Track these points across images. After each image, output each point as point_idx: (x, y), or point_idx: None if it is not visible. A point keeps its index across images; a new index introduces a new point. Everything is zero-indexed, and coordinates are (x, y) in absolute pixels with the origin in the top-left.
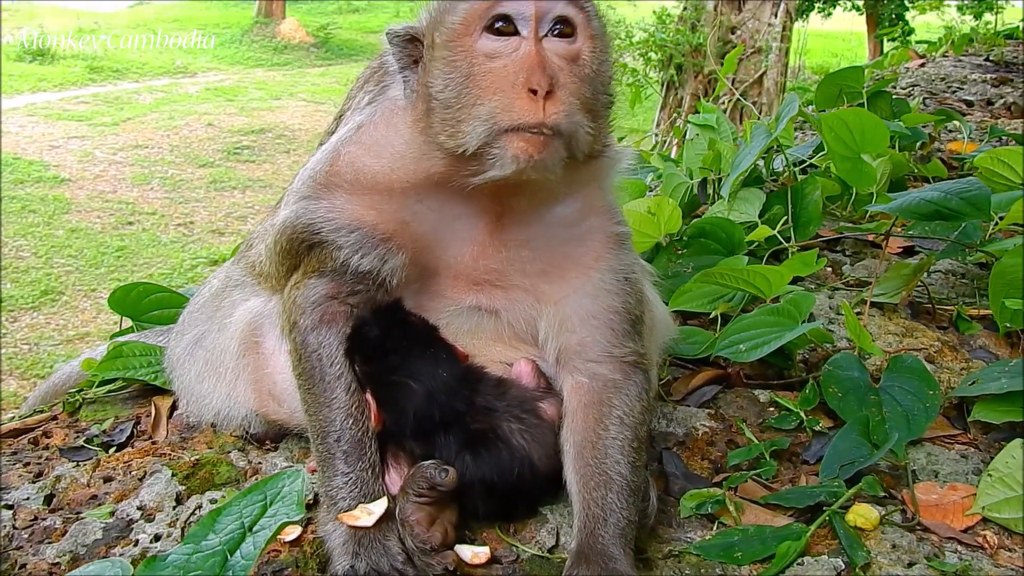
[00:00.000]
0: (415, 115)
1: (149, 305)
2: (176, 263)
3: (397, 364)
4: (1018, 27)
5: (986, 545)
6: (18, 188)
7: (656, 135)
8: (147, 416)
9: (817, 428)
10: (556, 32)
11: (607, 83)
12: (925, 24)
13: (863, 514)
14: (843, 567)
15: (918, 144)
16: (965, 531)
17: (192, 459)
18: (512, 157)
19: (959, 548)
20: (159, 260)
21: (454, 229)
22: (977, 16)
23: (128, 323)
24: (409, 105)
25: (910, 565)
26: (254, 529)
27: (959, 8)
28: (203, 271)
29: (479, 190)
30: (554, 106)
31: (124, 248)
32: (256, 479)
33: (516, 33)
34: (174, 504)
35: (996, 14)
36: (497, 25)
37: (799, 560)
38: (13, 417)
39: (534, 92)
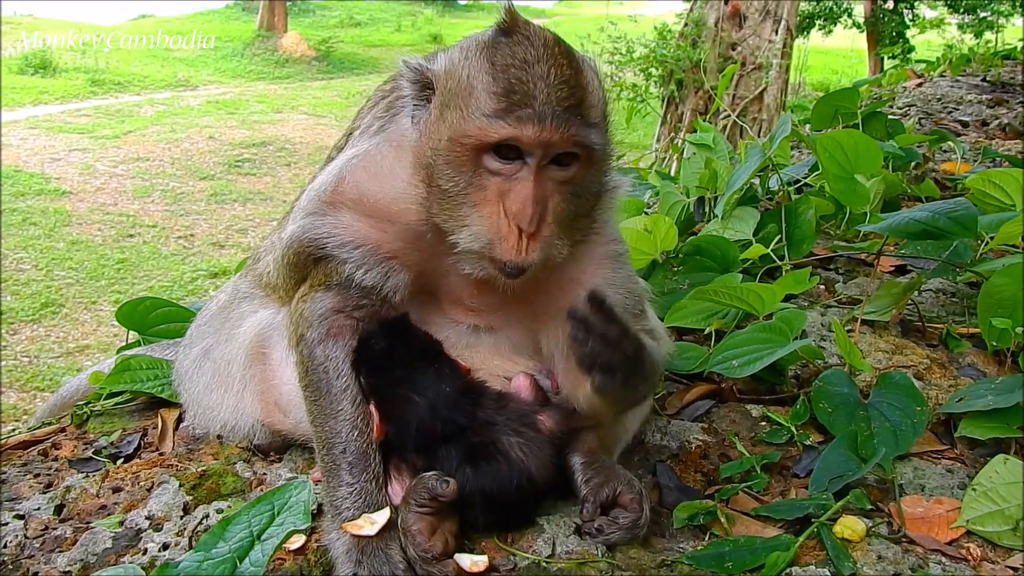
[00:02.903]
0: (418, 158)
1: (156, 319)
2: (177, 276)
3: (401, 378)
4: (1016, 48)
5: (970, 557)
6: (19, 200)
7: (656, 151)
8: (154, 428)
9: (807, 442)
10: (558, 161)
11: (597, 192)
12: (926, 42)
13: (850, 526)
14: None
15: (912, 164)
16: (950, 543)
17: (199, 470)
18: (485, 273)
19: (943, 560)
20: (160, 273)
21: (449, 264)
22: (977, 35)
23: (134, 337)
24: (414, 144)
25: None
26: (262, 537)
27: (960, 27)
28: (203, 284)
29: None
30: (535, 244)
31: (125, 261)
32: (261, 490)
33: (521, 159)
34: (181, 514)
35: (996, 33)
36: (507, 149)
37: (787, 570)
38: (13, 429)
39: (521, 229)
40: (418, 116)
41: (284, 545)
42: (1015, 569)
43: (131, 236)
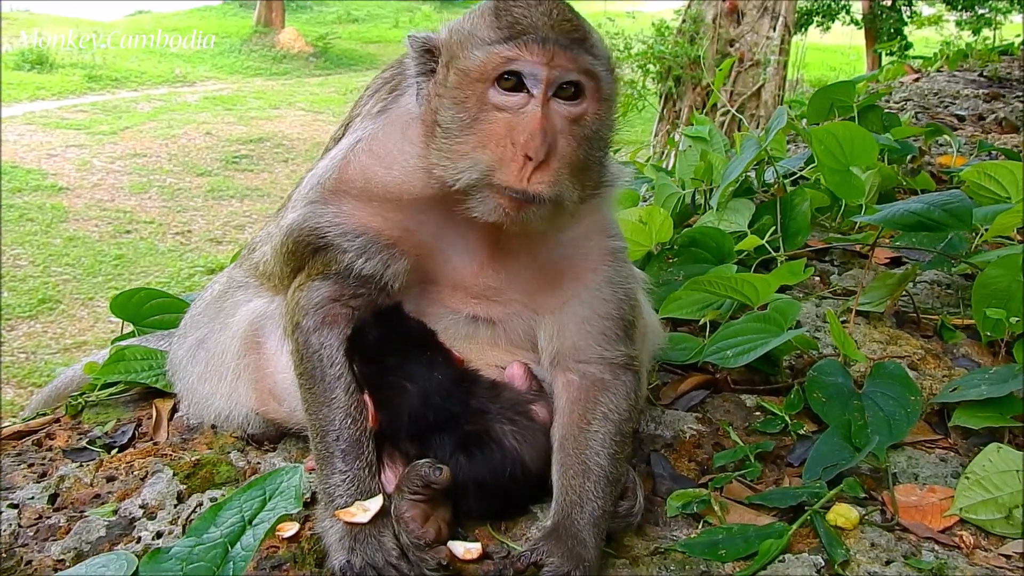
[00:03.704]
0: (425, 125)
1: (150, 310)
2: (174, 272)
3: (395, 366)
4: (1013, 43)
5: (962, 545)
6: (16, 196)
7: (654, 146)
8: (148, 418)
9: (801, 432)
10: (565, 94)
11: (607, 139)
12: (923, 39)
13: (843, 514)
14: (823, 564)
15: (908, 157)
16: (943, 531)
17: (193, 459)
18: (493, 209)
19: (936, 547)
20: (157, 269)
21: (455, 245)
22: (975, 32)
23: (128, 328)
24: (420, 115)
25: (888, 563)
26: (254, 522)
27: (957, 23)
28: (200, 280)
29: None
30: (541, 176)
31: (122, 257)
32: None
33: (526, 90)
34: (175, 503)
35: (995, 29)
36: (509, 80)
37: (781, 557)
38: (13, 423)
39: (529, 158)
40: (423, 87)
41: (277, 533)
42: (1008, 557)
43: (128, 232)
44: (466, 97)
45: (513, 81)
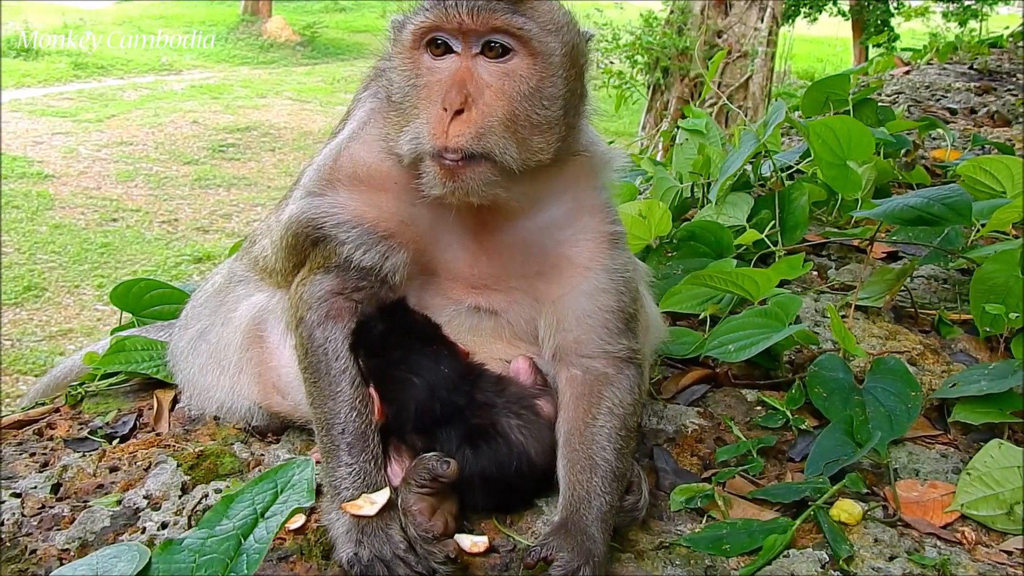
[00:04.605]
0: (387, 107)
1: (150, 301)
2: (160, 260)
3: (399, 360)
4: (1002, 36)
5: (964, 540)
6: (2, 184)
7: (642, 138)
8: (149, 409)
9: (803, 427)
10: (493, 53)
11: (557, 99)
12: (911, 31)
13: (847, 509)
14: (827, 559)
15: (902, 151)
16: (944, 527)
17: (196, 450)
18: (433, 180)
19: (938, 543)
20: (143, 257)
21: (447, 234)
22: (962, 23)
23: (127, 318)
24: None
25: (891, 559)
26: (266, 515)
27: (944, 15)
28: (187, 269)
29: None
30: (459, 127)
31: (108, 245)
32: (259, 470)
33: (455, 53)
34: (179, 493)
35: (981, 22)
36: (436, 44)
37: (785, 552)
38: (4, 413)
39: (445, 109)
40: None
41: (284, 524)
42: (1009, 553)
43: (114, 220)
44: (406, 68)
45: (443, 47)
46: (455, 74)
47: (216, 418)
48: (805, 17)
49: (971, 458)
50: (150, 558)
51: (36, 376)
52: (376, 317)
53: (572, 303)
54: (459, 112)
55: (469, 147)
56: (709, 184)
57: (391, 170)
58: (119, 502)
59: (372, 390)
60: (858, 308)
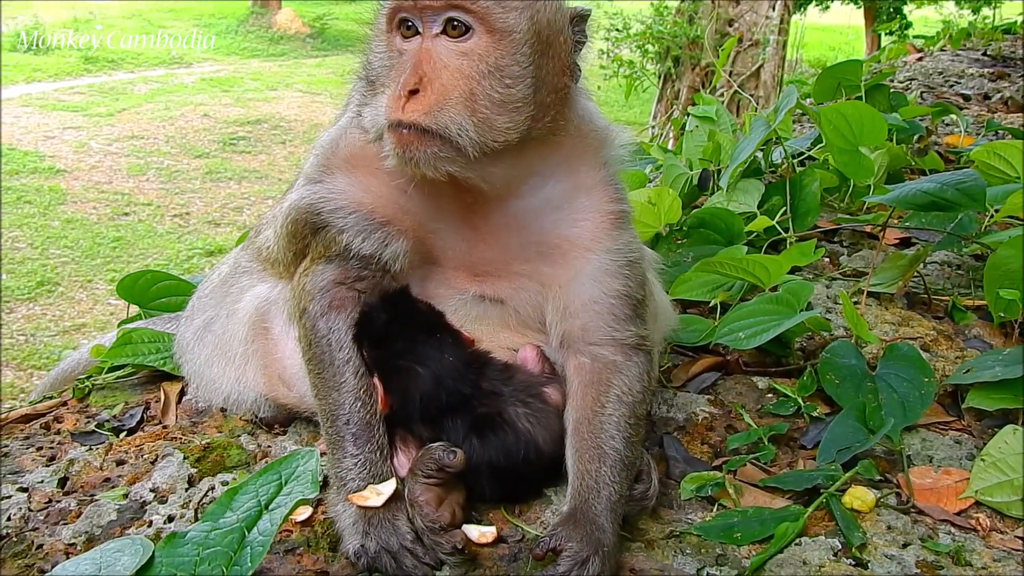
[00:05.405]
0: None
1: (157, 293)
2: (172, 254)
3: (404, 349)
4: (1015, 22)
5: (979, 527)
6: (13, 179)
7: (653, 127)
8: (156, 402)
9: (814, 414)
10: (455, 32)
11: (522, 76)
12: (923, 18)
13: (859, 497)
14: (840, 547)
15: (915, 137)
16: (958, 514)
17: (203, 443)
18: (394, 152)
19: (952, 530)
20: (155, 251)
21: (440, 221)
22: (975, 11)
23: (134, 312)
24: None
25: (905, 546)
26: (270, 507)
27: (957, 2)
28: (199, 262)
29: (446, 181)
30: (415, 104)
31: (120, 239)
32: (266, 462)
33: (419, 33)
34: (186, 486)
35: (994, 8)
36: (407, 26)
37: (797, 540)
38: (11, 408)
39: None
40: None
41: (290, 517)
42: None
43: (126, 214)
44: (380, 51)
45: (413, 29)
46: (414, 55)
47: (223, 410)
48: (817, 5)
49: (985, 444)
50: (153, 552)
51: (50, 371)
52: (379, 307)
53: (578, 288)
54: (415, 92)
55: (421, 122)
56: (719, 171)
57: (378, 151)
58: (126, 495)
59: (376, 380)
60: (870, 294)
